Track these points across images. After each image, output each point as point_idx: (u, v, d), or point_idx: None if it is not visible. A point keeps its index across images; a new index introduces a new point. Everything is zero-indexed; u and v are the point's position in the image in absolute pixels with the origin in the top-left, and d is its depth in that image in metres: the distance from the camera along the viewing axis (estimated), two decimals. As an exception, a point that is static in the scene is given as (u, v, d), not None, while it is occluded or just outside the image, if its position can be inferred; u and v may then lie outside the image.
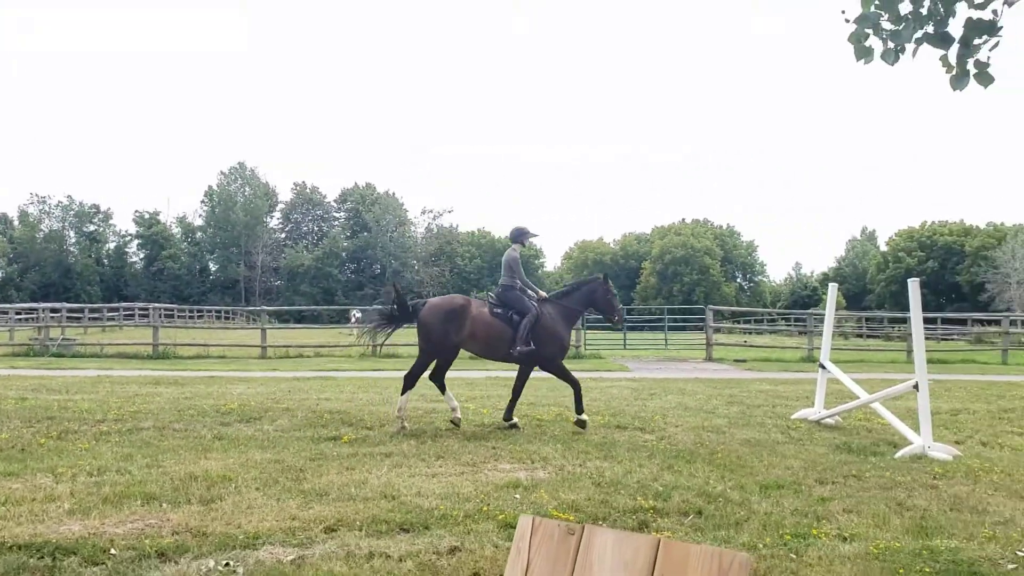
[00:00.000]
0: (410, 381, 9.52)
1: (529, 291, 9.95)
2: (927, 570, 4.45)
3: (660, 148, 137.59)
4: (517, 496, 6.10)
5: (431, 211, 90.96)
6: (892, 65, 5.84)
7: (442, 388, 9.77)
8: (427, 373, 9.72)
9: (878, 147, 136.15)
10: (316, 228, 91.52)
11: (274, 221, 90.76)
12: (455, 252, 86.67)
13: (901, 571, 4.43)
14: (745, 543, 4.95)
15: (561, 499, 5.97)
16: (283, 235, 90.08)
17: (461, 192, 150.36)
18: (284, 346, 23.91)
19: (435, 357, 9.74)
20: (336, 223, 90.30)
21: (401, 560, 4.60)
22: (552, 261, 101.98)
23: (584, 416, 9.53)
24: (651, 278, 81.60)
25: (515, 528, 5.26)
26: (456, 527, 5.22)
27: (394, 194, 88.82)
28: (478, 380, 15.34)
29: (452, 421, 9.54)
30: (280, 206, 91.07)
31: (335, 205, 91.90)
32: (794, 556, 4.71)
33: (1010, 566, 4.58)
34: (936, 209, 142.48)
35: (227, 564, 4.51)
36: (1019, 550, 4.91)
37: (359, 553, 4.70)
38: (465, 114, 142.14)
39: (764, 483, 6.67)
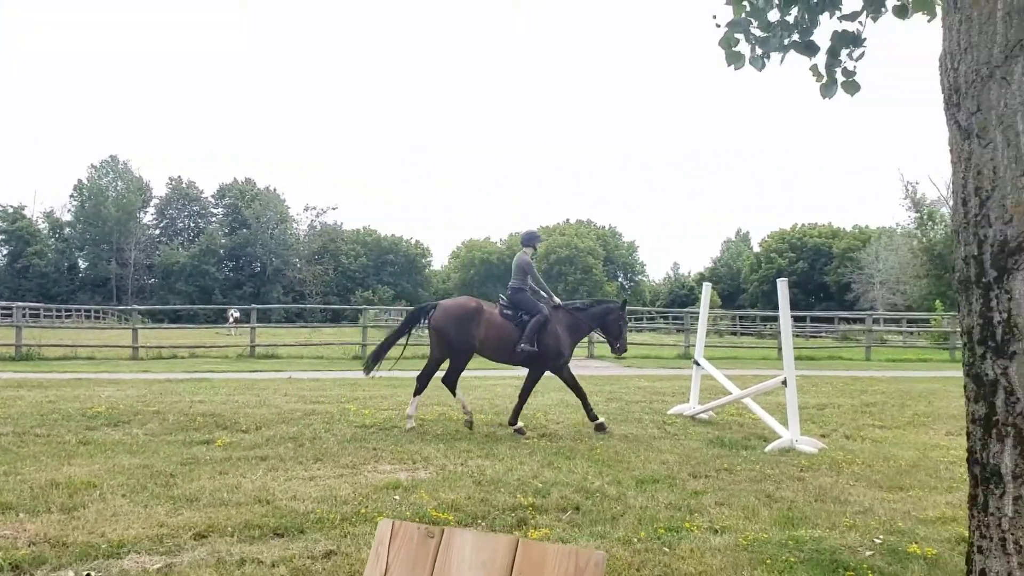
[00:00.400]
0: (422, 382, 9.60)
1: (543, 293, 10.03)
2: (792, 560, 4.62)
3: (660, 148, 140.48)
4: (396, 497, 6.04)
5: (314, 208, 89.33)
6: (760, 71, 6.05)
7: (453, 391, 9.65)
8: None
9: (752, 151, 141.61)
10: (193, 224, 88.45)
11: (148, 217, 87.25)
12: (339, 250, 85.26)
13: (768, 561, 4.58)
14: (620, 537, 5.03)
15: (441, 499, 5.93)
16: (157, 231, 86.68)
17: (461, 192, 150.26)
18: (157, 347, 23.00)
19: (448, 359, 9.65)
20: (214, 219, 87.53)
21: (274, 566, 4.47)
22: (439, 259, 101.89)
23: (600, 419, 9.61)
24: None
25: (415, 524, 5.23)
26: (332, 531, 5.12)
27: (275, 190, 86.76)
28: (361, 380, 15.11)
29: (466, 424, 9.48)
30: (154, 201, 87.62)
31: (213, 201, 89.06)
32: (667, 549, 4.82)
33: (867, 553, 4.81)
34: (806, 212, 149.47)
35: (88, 575, 4.29)
36: (876, 538, 5.16)
37: (230, 560, 4.54)
38: (465, 114, 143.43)
39: (640, 478, 6.81)
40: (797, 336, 37.75)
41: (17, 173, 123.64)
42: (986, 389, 2.38)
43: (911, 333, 33.74)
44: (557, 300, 10.08)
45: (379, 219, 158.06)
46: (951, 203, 2.62)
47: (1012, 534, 2.27)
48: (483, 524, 5.40)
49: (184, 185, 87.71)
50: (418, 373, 9.83)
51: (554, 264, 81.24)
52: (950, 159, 2.58)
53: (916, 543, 5.00)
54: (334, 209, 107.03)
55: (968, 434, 2.47)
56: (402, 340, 9.99)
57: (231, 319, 39.87)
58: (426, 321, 9.68)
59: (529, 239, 10.30)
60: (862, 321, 32.55)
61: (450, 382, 9.64)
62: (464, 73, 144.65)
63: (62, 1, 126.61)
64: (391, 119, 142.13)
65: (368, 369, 9.86)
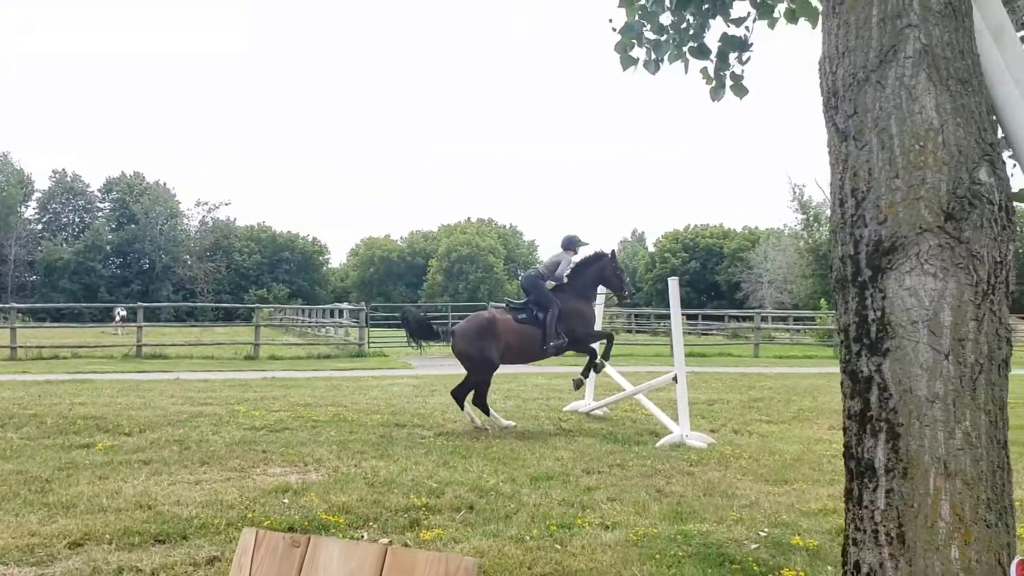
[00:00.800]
0: (459, 396, 9.73)
1: (551, 280, 10.11)
2: (680, 554, 4.69)
3: (660, 148, 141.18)
4: (285, 501, 5.88)
5: (206, 203, 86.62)
6: (654, 74, 6.13)
7: (485, 410, 9.77)
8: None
9: (649, 152, 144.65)
10: (78, 219, 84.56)
11: (29, 211, 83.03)
12: (232, 247, 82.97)
13: (657, 557, 4.64)
14: (513, 536, 5.02)
15: (332, 501, 5.81)
16: (40, 226, 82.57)
17: (461, 192, 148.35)
18: (37, 347, 21.89)
19: (480, 376, 9.73)
20: (100, 214, 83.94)
21: (154, 573, 4.30)
22: (337, 258, 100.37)
23: (583, 378, 10.14)
24: (437, 276, 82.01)
25: (280, 533, 5.08)
26: (217, 536, 4.95)
27: (165, 184, 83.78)
28: (253, 381, 14.74)
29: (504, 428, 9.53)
30: (37, 195, 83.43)
31: (99, 195, 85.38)
32: (559, 547, 4.83)
33: (753, 546, 4.92)
34: (699, 213, 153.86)
35: (-53, 591, 4.03)
36: (762, 531, 5.30)
37: (107, 568, 4.34)
38: (465, 114, 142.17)
39: (535, 475, 6.83)
40: (689, 334, 38.71)
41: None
42: (861, 385, 2.44)
43: (797, 331, 35.01)
44: (564, 280, 10.15)
45: (276, 215, 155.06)
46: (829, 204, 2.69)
47: (884, 526, 2.34)
48: (375, 526, 5.31)
49: (69, 179, 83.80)
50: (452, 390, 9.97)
51: (455, 263, 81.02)
52: (829, 161, 2.64)
53: (799, 535, 5.15)
54: (227, 204, 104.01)
55: (844, 429, 2.53)
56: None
57: (117, 318, 38.31)
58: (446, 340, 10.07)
59: (571, 243, 10.47)
60: (751, 319, 33.57)
61: (460, 396, 9.76)
62: (464, 73, 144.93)
63: (62, 1, 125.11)
64: (391, 119, 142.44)
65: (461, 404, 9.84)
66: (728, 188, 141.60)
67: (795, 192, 49.56)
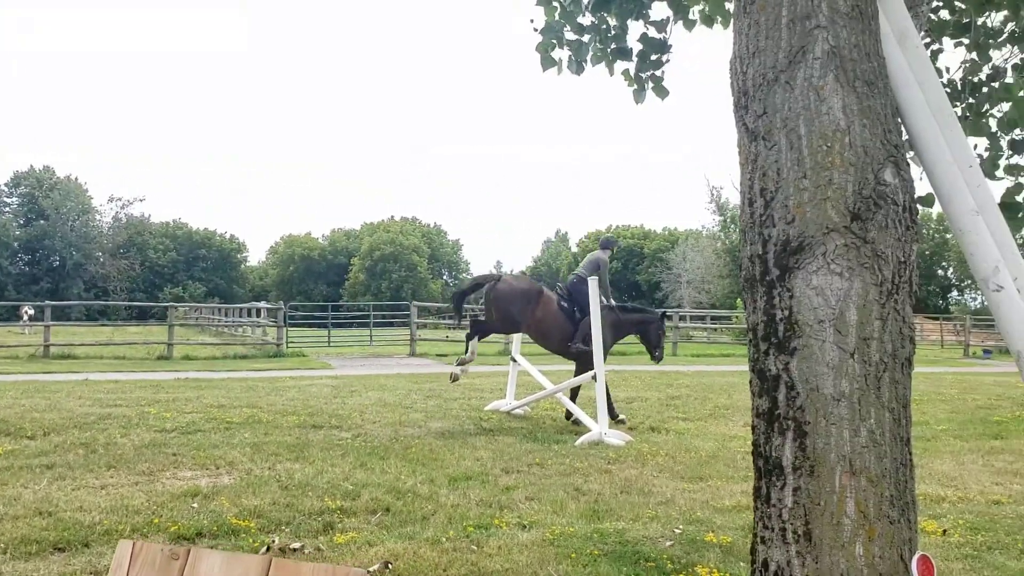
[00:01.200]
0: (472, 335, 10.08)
1: (603, 294, 10.05)
2: (596, 552, 4.69)
3: (661, 148, 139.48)
4: (195, 505, 5.69)
5: (119, 199, 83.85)
6: (578, 75, 6.14)
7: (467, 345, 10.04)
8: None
9: (570, 153, 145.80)
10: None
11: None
12: (147, 244, 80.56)
13: (573, 556, 4.63)
14: (429, 537, 4.95)
15: (243, 505, 5.65)
16: (-60, 222, 78.90)
17: (462, 192, 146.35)
18: (-65, 347, 20.91)
19: (498, 331, 10.36)
20: (7, 210, 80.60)
21: (50, 585, 4.10)
22: (256, 255, 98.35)
23: (621, 416, 10.19)
24: (360, 275, 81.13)
25: (188, 539, 4.90)
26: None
27: (76, 179, 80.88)
28: (165, 382, 14.31)
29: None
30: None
31: (6, 190, 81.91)
32: (475, 548, 4.78)
33: (667, 543, 4.96)
34: (620, 214, 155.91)
35: None
36: (677, 528, 5.34)
37: (-1, 581, 4.13)
38: (465, 114, 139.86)
39: (454, 475, 6.77)
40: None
41: None
42: (769, 384, 2.45)
43: (715, 329, 35.70)
44: (612, 302, 10.57)
45: (190, 211, 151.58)
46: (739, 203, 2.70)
47: (791, 524, 2.35)
48: (287, 530, 5.18)
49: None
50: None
51: (378, 261, 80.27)
52: (739, 161, 2.65)
53: (713, 532, 5.21)
54: (141, 200, 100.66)
55: (753, 428, 2.54)
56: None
57: (25, 317, 36.83)
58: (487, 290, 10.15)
59: (609, 243, 11.28)
60: (670, 318, 34.09)
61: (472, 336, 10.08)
62: (464, 73, 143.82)
63: (62, 1, 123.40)
64: (391, 120, 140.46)
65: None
66: (648, 189, 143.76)
67: (713, 194, 50.56)
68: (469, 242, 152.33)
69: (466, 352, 9.92)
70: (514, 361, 11.34)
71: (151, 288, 77.01)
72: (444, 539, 4.93)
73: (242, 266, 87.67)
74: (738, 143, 2.66)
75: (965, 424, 10.97)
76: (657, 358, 11.04)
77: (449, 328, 41.92)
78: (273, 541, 4.87)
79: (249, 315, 34.87)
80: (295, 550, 4.74)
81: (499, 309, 9.87)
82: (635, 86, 6.04)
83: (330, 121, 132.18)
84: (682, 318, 33.12)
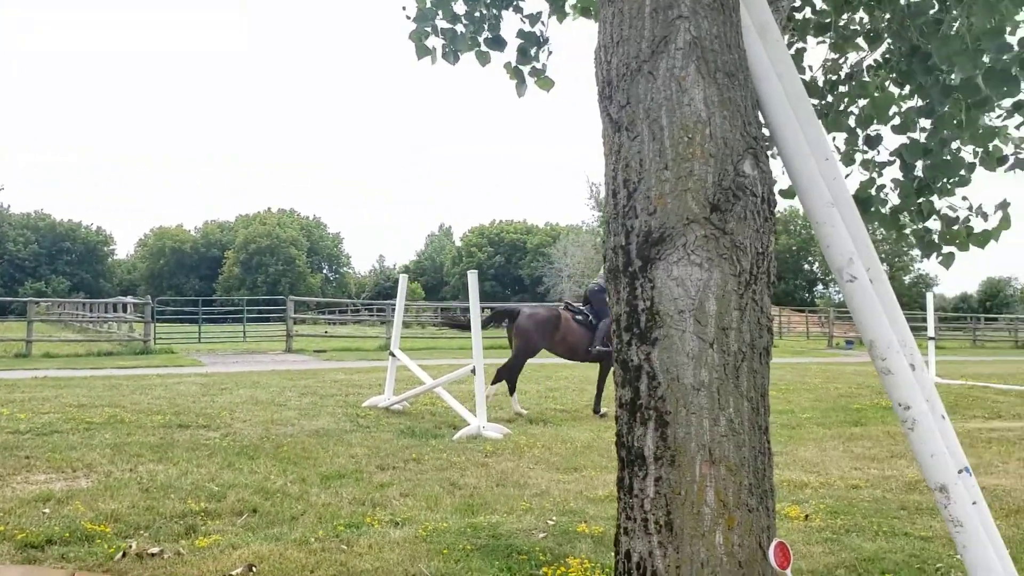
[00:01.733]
0: (506, 376, 11.00)
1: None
2: (469, 547, 4.64)
3: (543, 143, 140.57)
4: (46, 511, 5.34)
5: (-25, 190, 78.96)
6: (453, 65, 6.05)
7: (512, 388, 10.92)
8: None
9: (454, 146, 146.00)
10: None
11: None
12: (6, 236, 76.02)
13: (446, 551, 4.57)
14: (297, 538, 4.80)
15: (99, 509, 5.34)
16: None
17: (461, 192, 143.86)
18: None
19: (528, 357, 11.14)
20: None
21: None
22: (124, 248, 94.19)
23: (604, 410, 10.85)
24: (234, 268, 78.70)
25: (36, 546, 4.58)
26: (-44, 555, 4.41)
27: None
28: (22, 381, 13.49)
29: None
30: None
31: None
32: (345, 547, 4.66)
33: (541, 535, 4.95)
34: (504, 209, 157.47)
35: None
36: (550, 519, 5.35)
37: None
38: (465, 114, 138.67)
39: (326, 474, 6.60)
40: (495, 327, 39.24)
41: None
42: (631, 374, 2.44)
43: (595, 323, 36.28)
44: None
45: (53, 202, 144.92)
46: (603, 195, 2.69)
47: (653, 514, 2.35)
48: (146, 535, 4.92)
49: None
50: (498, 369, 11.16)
51: (253, 255, 78.11)
52: (603, 151, 2.63)
53: (585, 522, 5.23)
54: (1, 190, 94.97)
55: (616, 418, 2.53)
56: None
57: None
58: (507, 324, 11.60)
59: None
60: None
61: (511, 380, 11.00)
62: (464, 73, 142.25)
63: (62, 1, 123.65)
64: (391, 119, 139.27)
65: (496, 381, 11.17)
66: (531, 184, 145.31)
67: (592, 190, 51.40)
68: (350, 236, 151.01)
69: (511, 395, 10.89)
70: (393, 356, 11.20)
71: (10, 283, 72.70)
72: (313, 539, 4.78)
73: (109, 259, 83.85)
74: (603, 134, 2.64)
75: (827, 412, 11.47)
76: None
77: (328, 324, 41.28)
78: (130, 546, 4.61)
79: (115, 310, 33.29)
80: (153, 555, 4.51)
81: (521, 338, 11.06)
82: (515, 79, 6.00)
83: (330, 121, 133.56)
84: (562, 312, 33.56)
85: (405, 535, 4.89)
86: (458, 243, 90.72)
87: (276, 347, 25.18)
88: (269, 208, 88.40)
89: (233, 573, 4.19)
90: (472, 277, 9.55)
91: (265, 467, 6.81)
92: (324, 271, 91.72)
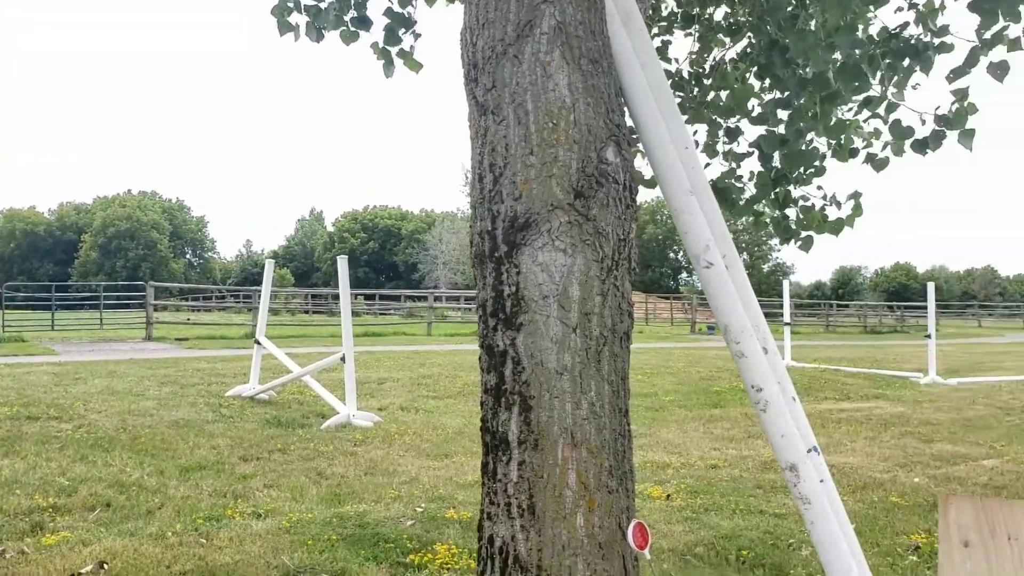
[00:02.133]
0: None
1: None
2: (334, 537, 4.57)
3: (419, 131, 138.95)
4: None
5: None
6: (317, 43, 5.90)
7: None
8: None
9: (324, 131, 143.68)
10: None
11: None
12: None
13: (310, 542, 4.47)
14: (154, 533, 4.61)
15: (-67, 510, 4.99)
16: None
17: (334, 176, 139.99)
18: None
19: None
20: None
21: None
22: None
23: None
24: (92, 252, 74.79)
25: None
26: None
27: None
28: None
29: None
30: None
31: None
32: (204, 541, 4.50)
33: (409, 523, 4.92)
34: (377, 195, 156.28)
35: None
36: (419, 506, 5.32)
37: None
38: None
39: (186, 466, 6.37)
40: (367, 313, 38.82)
41: None
42: (497, 360, 2.44)
43: (469, 309, 36.35)
44: None
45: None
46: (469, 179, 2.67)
47: (516, 498, 2.36)
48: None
49: None
50: None
51: (112, 239, 74.45)
52: (469, 135, 2.61)
53: (454, 508, 5.24)
54: None
55: (482, 404, 2.53)
56: None
57: None
58: None
59: None
60: (426, 299, 34.36)
61: None
62: (345, 52, 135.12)
63: (62, 1, 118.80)
64: (391, 119, 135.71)
65: None
66: (406, 170, 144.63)
67: (467, 176, 51.41)
68: (216, 220, 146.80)
69: None
70: (258, 343, 10.90)
71: None
72: (170, 533, 4.60)
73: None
74: (469, 117, 2.62)
75: (689, 395, 11.87)
76: None
77: (191, 311, 39.83)
78: (-34, 549, 4.32)
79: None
80: (-6, 556, 4.24)
81: None
82: (383, 60, 5.90)
83: (330, 121, 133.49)
84: (437, 298, 33.47)
85: (268, 527, 4.77)
86: (330, 228, 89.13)
87: (135, 335, 24.09)
88: (129, 190, 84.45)
89: (83, 571, 3.98)
90: (342, 263, 9.38)
91: (121, 460, 6.51)
92: (188, 256, 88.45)
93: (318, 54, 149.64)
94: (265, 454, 6.90)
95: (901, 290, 71.31)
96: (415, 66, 5.92)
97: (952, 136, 4.42)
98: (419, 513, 5.16)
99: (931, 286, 16.08)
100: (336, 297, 43.86)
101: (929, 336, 15.03)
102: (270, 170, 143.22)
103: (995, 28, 4.06)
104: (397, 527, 4.82)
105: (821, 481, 2.64)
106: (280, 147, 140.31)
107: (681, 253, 65.40)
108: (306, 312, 42.26)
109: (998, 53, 4.14)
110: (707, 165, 5.12)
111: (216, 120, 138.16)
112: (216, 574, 4.02)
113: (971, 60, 4.21)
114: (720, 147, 5.22)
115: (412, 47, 5.90)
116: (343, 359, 9.06)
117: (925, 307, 16.69)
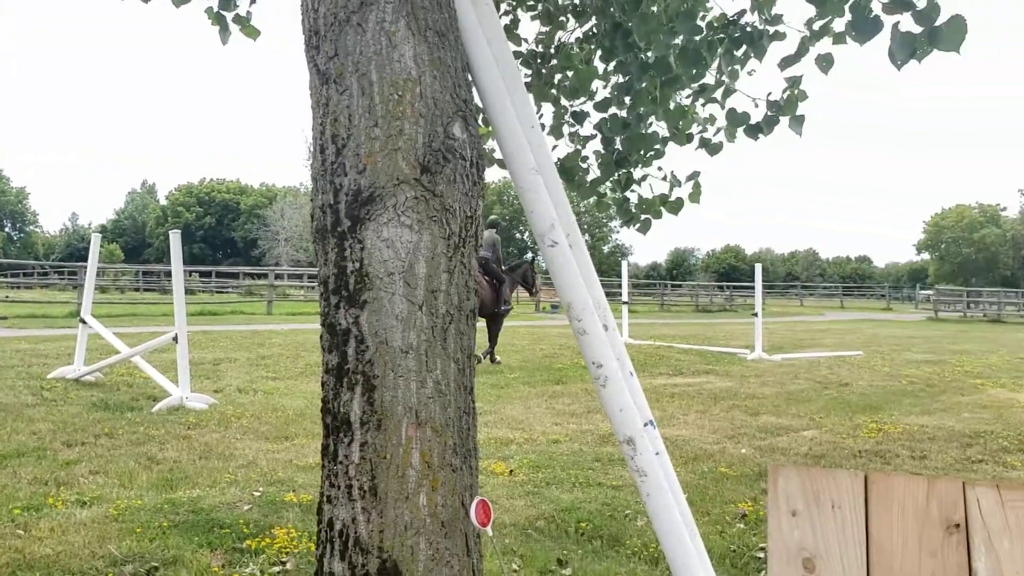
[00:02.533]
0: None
1: (501, 266, 13.70)
2: (166, 524, 4.36)
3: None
4: None
5: None
6: (145, 4, 5.58)
7: None
8: None
9: (158, 100, 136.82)
10: None
11: None
12: None
13: (139, 530, 4.25)
14: (-38, 528, 4.26)
15: None
16: None
17: (167, 147, 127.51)
18: None
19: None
20: None
21: None
22: None
23: (498, 358, 13.18)
24: None
25: None
26: None
27: None
28: None
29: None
30: None
31: None
32: (22, 532, 4.20)
33: (246, 507, 4.76)
34: (215, 167, 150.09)
35: None
36: (256, 491, 5.15)
37: None
38: (173, 65, 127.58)
39: (3, 453, 5.94)
40: (202, 291, 37.36)
41: None
42: (339, 339, 2.37)
43: (311, 288, 35.58)
44: (503, 267, 13.84)
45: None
46: (311, 151, 2.57)
47: (358, 480, 2.30)
48: None
49: None
50: None
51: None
52: (311, 104, 2.51)
53: (293, 491, 5.11)
54: None
55: (323, 384, 2.45)
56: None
57: None
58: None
59: (495, 224, 13.99)
60: (266, 276, 33.38)
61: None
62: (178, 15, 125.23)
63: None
64: (90, 65, 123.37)
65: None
66: (245, 143, 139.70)
67: (309, 150, 50.26)
68: (38, 191, 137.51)
69: None
70: (84, 323, 10.26)
71: None
72: (-19, 527, 4.27)
73: None
74: (310, 85, 2.51)
75: (533, 372, 12.07)
76: (535, 293, 16.17)
77: (11, 288, 37.07)
78: None
79: None
80: None
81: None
82: (218, 25, 5.63)
83: (164, 90, 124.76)
84: (278, 276, 32.55)
85: (94, 515, 4.50)
86: (164, 202, 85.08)
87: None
88: (-65, 156, 77.48)
89: None
90: (175, 238, 8.94)
91: (-77, 449, 5.99)
92: (7, 229, 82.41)
93: (151, 18, 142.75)
94: (91, 439, 6.51)
95: (731, 271, 75.25)
96: (252, 32, 5.68)
97: (784, 122, 4.64)
98: (257, 497, 5.00)
99: (758, 268, 17.02)
100: (169, 274, 41.94)
101: (756, 315, 15.89)
102: (99, 140, 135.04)
103: (822, 21, 4.27)
104: (233, 512, 4.65)
105: (656, 454, 2.72)
106: (111, 116, 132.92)
107: (527, 233, 66.34)
108: (136, 290, 40.24)
109: (825, 45, 4.37)
110: (554, 147, 5.17)
111: (40, 84, 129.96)
112: (35, 567, 3.76)
113: (801, 50, 4.42)
114: (565, 129, 5.28)
115: (249, 12, 5.66)
116: (175, 339, 8.65)
117: (752, 287, 17.66)
